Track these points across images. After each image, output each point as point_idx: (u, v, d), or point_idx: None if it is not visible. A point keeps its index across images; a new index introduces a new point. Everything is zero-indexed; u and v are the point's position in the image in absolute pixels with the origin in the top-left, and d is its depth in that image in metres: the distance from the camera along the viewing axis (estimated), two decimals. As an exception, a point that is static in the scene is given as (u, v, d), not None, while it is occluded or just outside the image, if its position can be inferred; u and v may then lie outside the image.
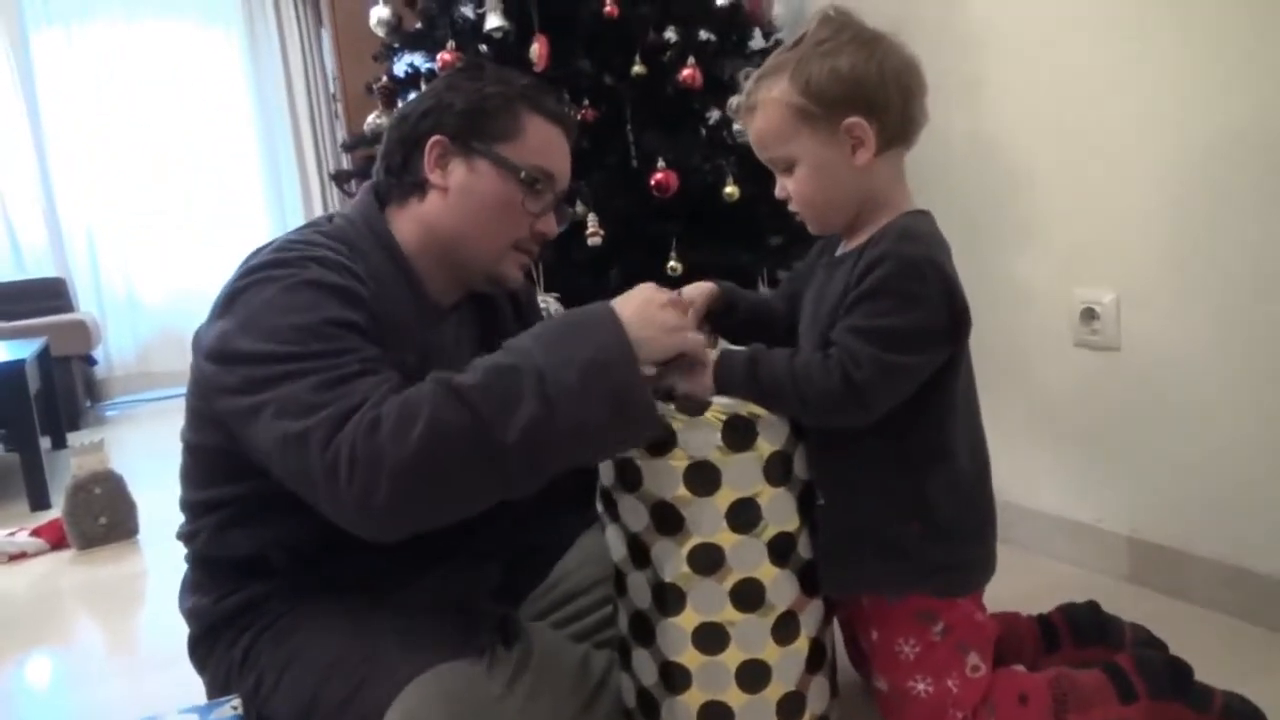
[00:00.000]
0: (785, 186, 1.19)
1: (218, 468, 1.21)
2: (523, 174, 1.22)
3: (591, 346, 1.03)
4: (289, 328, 1.06)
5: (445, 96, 1.24)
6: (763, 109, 1.15)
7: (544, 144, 1.24)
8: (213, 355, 1.10)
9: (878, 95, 1.11)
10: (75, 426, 4.11)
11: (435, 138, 1.22)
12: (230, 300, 1.11)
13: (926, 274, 1.09)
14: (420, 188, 1.24)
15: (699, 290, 1.29)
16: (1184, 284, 1.56)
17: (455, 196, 1.22)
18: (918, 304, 1.09)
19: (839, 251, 1.23)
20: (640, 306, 1.10)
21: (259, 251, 1.18)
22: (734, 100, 1.20)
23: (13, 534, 2.51)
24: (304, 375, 1.03)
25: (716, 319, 1.32)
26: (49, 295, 4.55)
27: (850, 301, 1.11)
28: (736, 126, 2.00)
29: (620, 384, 1.03)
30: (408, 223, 1.25)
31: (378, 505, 0.98)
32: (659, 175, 1.91)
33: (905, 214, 1.16)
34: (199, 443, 1.22)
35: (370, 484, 0.97)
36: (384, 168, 1.27)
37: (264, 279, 1.11)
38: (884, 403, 1.10)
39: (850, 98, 1.10)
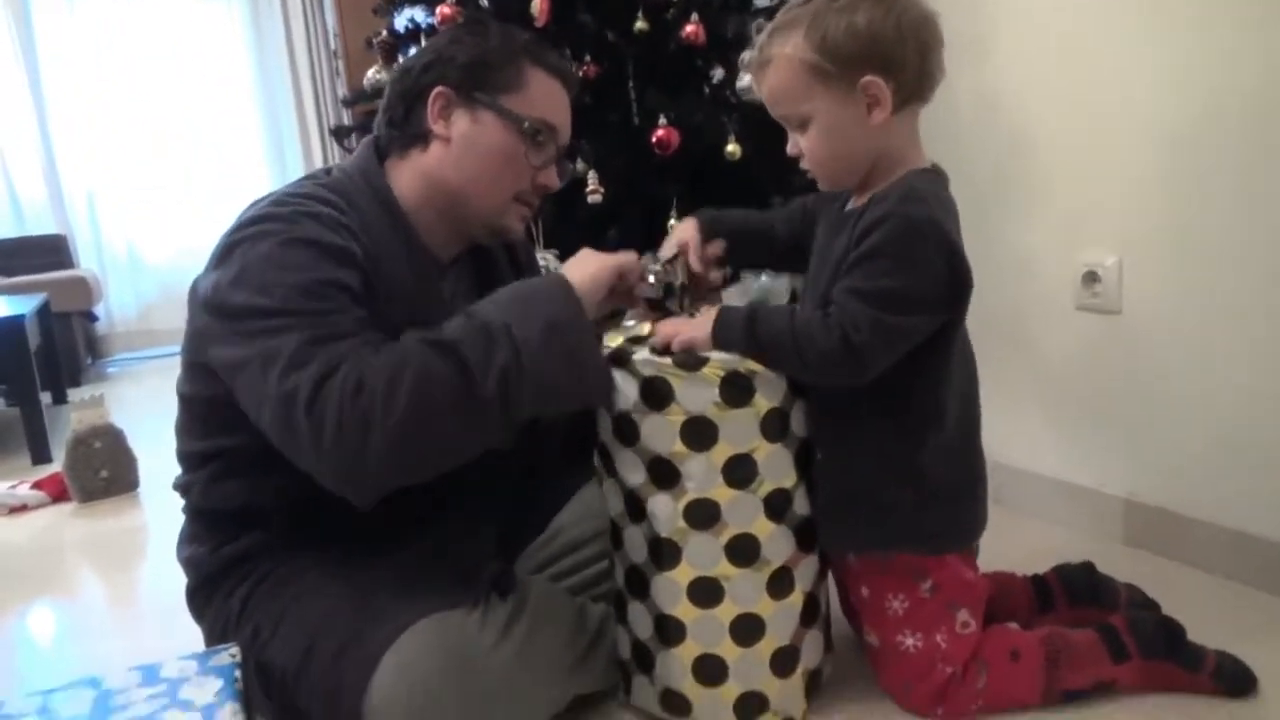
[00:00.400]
0: (798, 144, 1.16)
1: (211, 419, 1.21)
2: (526, 124, 1.22)
3: (549, 308, 1.09)
4: (281, 284, 1.07)
5: (448, 50, 1.24)
6: (775, 65, 1.12)
7: (546, 97, 1.25)
8: (207, 306, 1.11)
9: (895, 53, 1.08)
10: (76, 382, 4.11)
11: (439, 89, 1.22)
12: (227, 252, 1.11)
13: (928, 235, 1.08)
14: (423, 138, 1.24)
15: (684, 232, 1.29)
16: (1186, 247, 1.55)
17: (458, 146, 1.23)
18: (917, 266, 1.08)
19: (848, 206, 1.22)
20: (582, 254, 1.18)
21: (257, 204, 1.18)
22: (745, 55, 1.18)
23: (14, 487, 2.52)
24: (291, 330, 1.04)
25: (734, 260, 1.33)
26: (49, 251, 4.53)
27: (851, 261, 1.10)
28: (740, 85, 1.97)
29: (575, 345, 1.09)
30: (408, 174, 1.25)
31: (366, 468, 1.01)
32: (660, 133, 1.89)
33: (912, 173, 1.15)
34: (193, 394, 1.23)
35: (358, 448, 1.00)
36: (386, 120, 1.27)
37: (260, 233, 1.11)
38: (882, 363, 1.09)
39: (867, 56, 1.08)
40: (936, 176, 1.17)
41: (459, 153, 1.23)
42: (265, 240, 1.10)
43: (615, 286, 1.18)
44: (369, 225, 1.18)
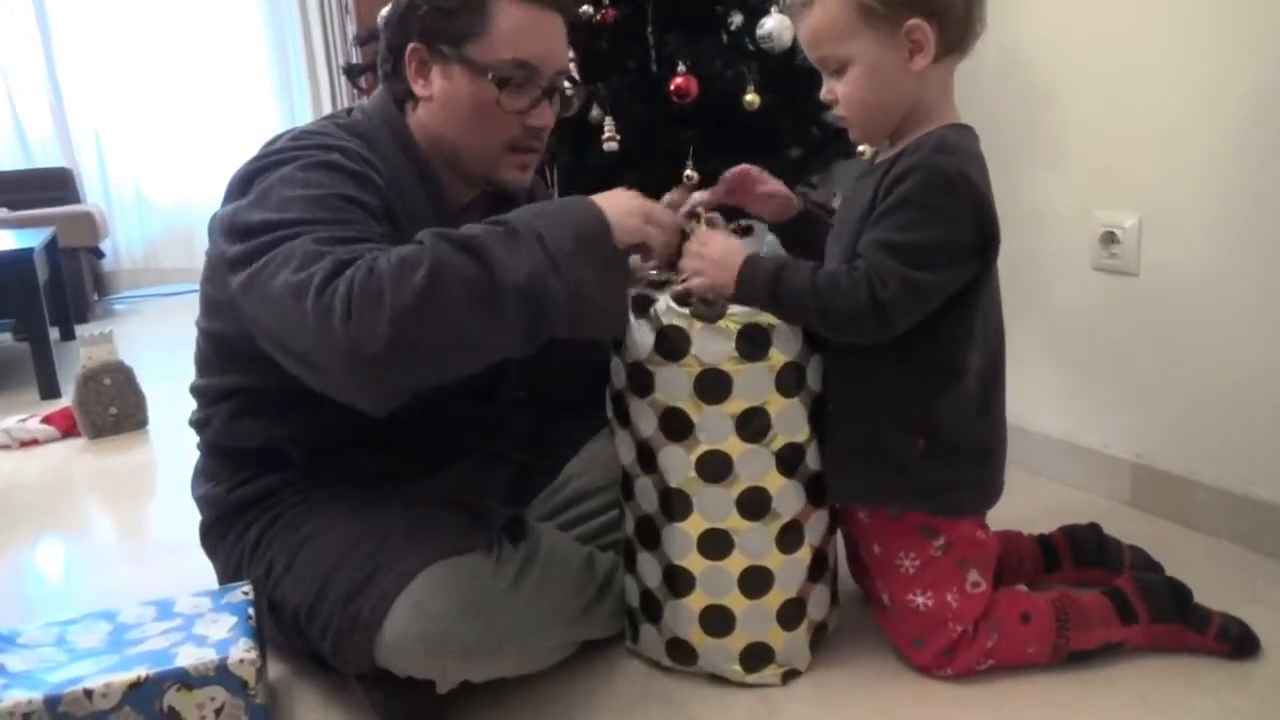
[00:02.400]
0: (833, 89, 1.14)
1: (230, 355, 1.22)
2: (491, 73, 1.17)
3: (580, 223, 1.06)
4: (299, 198, 1.05)
5: None
6: (820, 3, 1.10)
7: (516, 32, 1.18)
8: (224, 231, 1.09)
9: None
10: (83, 319, 4.11)
11: (413, 45, 1.20)
12: (245, 182, 1.11)
13: (959, 188, 1.07)
14: (413, 97, 1.23)
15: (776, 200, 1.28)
16: (1207, 211, 1.54)
17: (438, 105, 1.21)
18: (947, 218, 1.07)
19: (880, 158, 1.20)
20: (612, 192, 1.13)
21: (277, 138, 1.17)
22: None
23: (24, 420, 2.53)
24: (306, 235, 1.01)
25: (788, 229, 1.31)
26: (55, 185, 4.49)
27: (880, 211, 1.09)
28: (760, 32, 1.94)
29: (603, 263, 1.06)
30: (415, 126, 1.25)
31: (374, 351, 0.93)
32: (679, 80, 1.86)
33: (944, 126, 1.13)
34: (211, 329, 1.23)
35: (368, 325, 0.93)
36: (383, 74, 1.26)
37: (279, 160, 1.11)
38: (907, 320, 1.09)
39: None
40: (967, 131, 1.15)
41: (439, 111, 1.21)
42: (285, 166, 1.09)
43: (643, 228, 1.13)
44: (390, 165, 1.19)
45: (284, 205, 1.05)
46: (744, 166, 1.28)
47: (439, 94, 1.20)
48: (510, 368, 1.38)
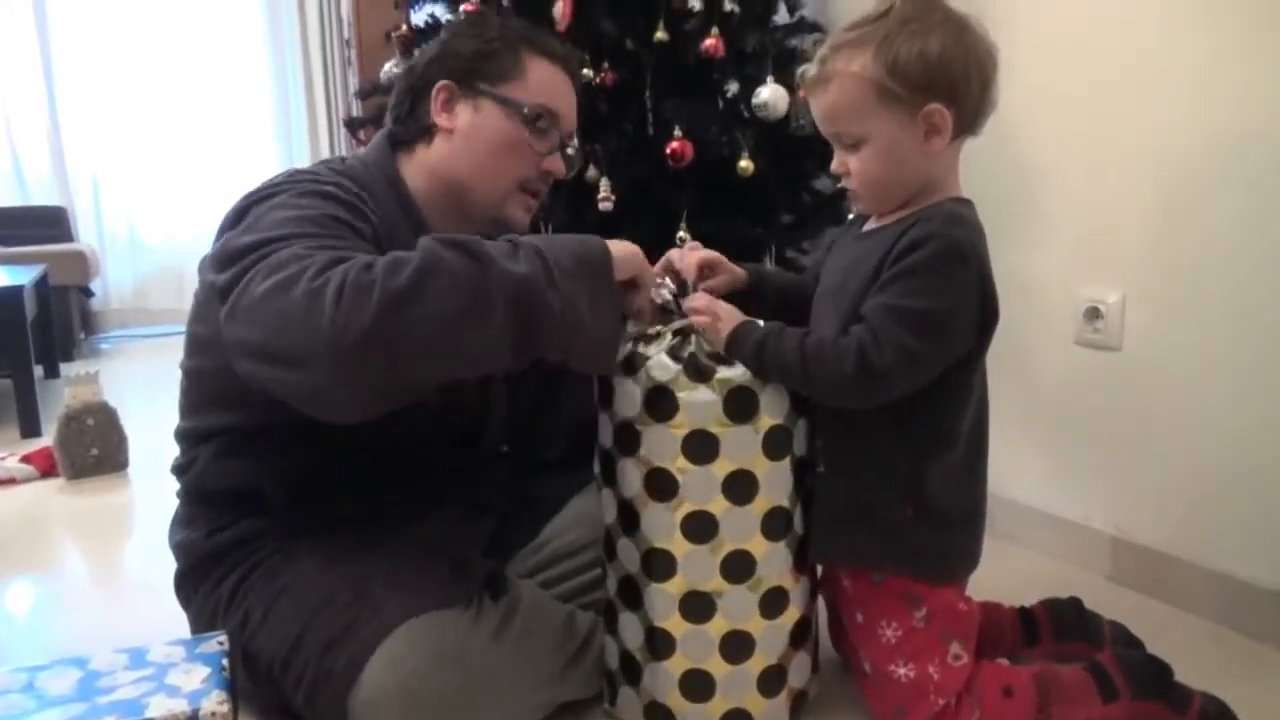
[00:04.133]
0: (846, 163, 1.16)
1: (213, 393, 1.21)
2: (526, 110, 1.24)
3: (582, 247, 1.07)
4: (290, 218, 1.05)
5: (450, 44, 1.28)
6: (839, 82, 1.11)
7: (546, 84, 1.27)
8: (214, 262, 1.08)
9: (961, 83, 1.09)
10: (69, 357, 4.09)
11: (441, 82, 1.25)
12: (239, 215, 1.12)
13: (969, 260, 1.09)
14: (428, 132, 1.27)
15: (714, 265, 1.27)
16: (1190, 289, 1.56)
17: (461, 137, 1.25)
18: (954, 289, 1.09)
19: (868, 226, 1.22)
20: (618, 243, 1.13)
21: (274, 178, 1.19)
22: (804, 69, 1.17)
23: (2, 459, 2.50)
24: (297, 243, 0.99)
25: (745, 299, 1.29)
26: (49, 223, 4.50)
27: (887, 277, 1.10)
28: (755, 101, 1.98)
29: (600, 286, 1.06)
30: (416, 169, 1.27)
31: (358, 336, 0.90)
32: (675, 144, 1.89)
33: (951, 199, 1.15)
34: (192, 367, 1.23)
35: (356, 310, 0.90)
36: (395, 116, 1.30)
37: (272, 192, 1.12)
38: (899, 391, 1.10)
39: (936, 83, 1.08)
40: (971, 206, 1.17)
41: (462, 143, 1.25)
42: (278, 196, 1.11)
43: (642, 268, 1.15)
44: (382, 212, 1.20)
45: (274, 225, 1.04)
46: (693, 249, 1.27)
47: (464, 127, 1.25)
48: (491, 417, 1.39)
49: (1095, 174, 1.70)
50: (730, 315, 1.15)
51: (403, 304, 0.91)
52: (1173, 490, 1.62)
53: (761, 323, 1.16)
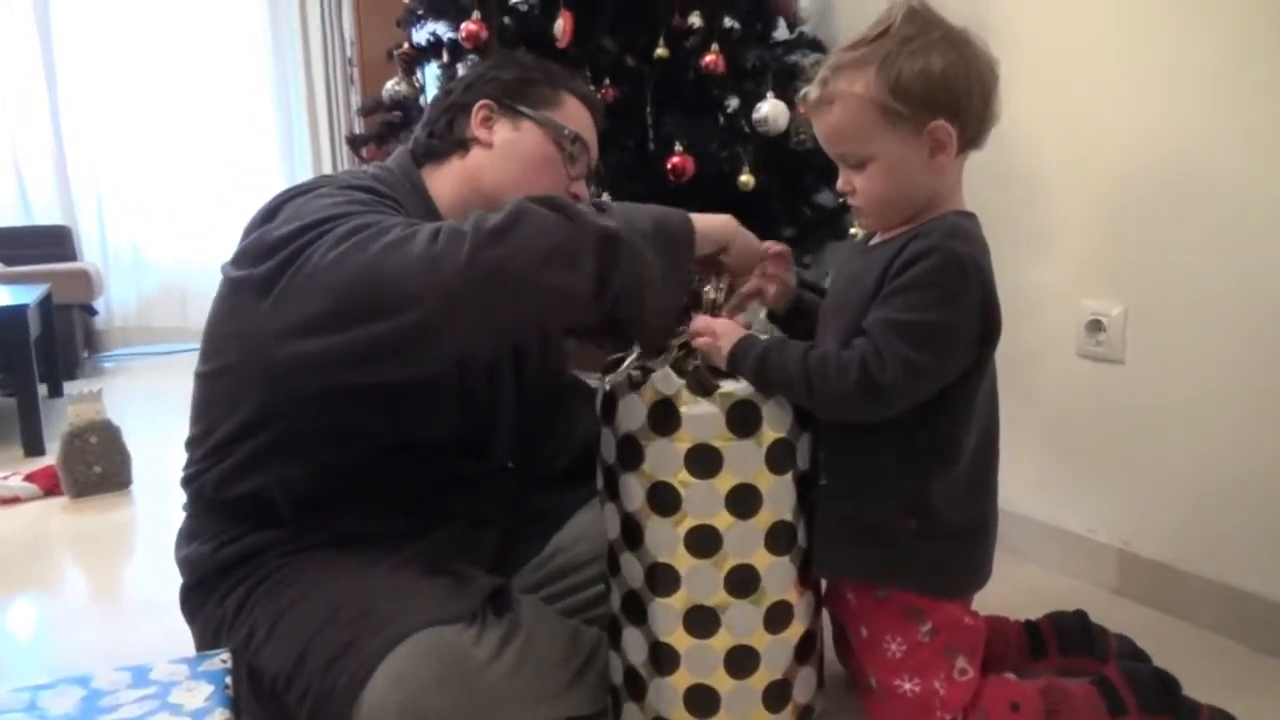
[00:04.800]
0: (851, 181, 1.16)
1: (228, 395, 1.22)
2: (566, 132, 1.31)
3: (663, 214, 1.16)
4: (330, 204, 1.09)
5: (490, 71, 1.35)
6: (842, 103, 1.11)
7: (578, 118, 1.34)
8: (249, 257, 1.10)
9: (964, 98, 1.09)
10: (72, 375, 4.09)
11: (483, 101, 1.31)
12: (270, 213, 1.13)
13: (969, 273, 1.09)
14: (463, 145, 1.31)
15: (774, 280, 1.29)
16: (1193, 301, 1.56)
17: (499, 151, 1.30)
18: (955, 302, 1.09)
19: (873, 241, 1.22)
20: (709, 216, 1.22)
21: (302, 182, 1.22)
22: (805, 91, 1.17)
23: (6, 478, 2.50)
24: (351, 219, 1.05)
25: (782, 316, 1.31)
26: (53, 242, 4.52)
27: (889, 290, 1.10)
28: (756, 116, 1.99)
29: (678, 256, 1.15)
30: (446, 179, 1.32)
31: (455, 272, 0.98)
32: (675, 159, 1.90)
33: (954, 212, 1.15)
34: (211, 369, 1.24)
35: (452, 245, 0.99)
36: (426, 132, 1.34)
37: (305, 191, 1.15)
38: (902, 405, 1.10)
39: (939, 100, 1.08)
40: (974, 219, 1.17)
41: (500, 156, 1.30)
42: (313, 192, 1.15)
43: (732, 238, 1.23)
44: (409, 214, 1.21)
45: (322, 210, 1.08)
46: (785, 248, 1.28)
47: (501, 141, 1.31)
48: (498, 429, 1.39)
49: (1097, 186, 1.70)
50: (730, 331, 1.16)
51: (497, 240, 1.00)
52: (1178, 502, 1.62)
53: (764, 336, 1.16)
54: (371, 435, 1.22)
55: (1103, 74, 1.67)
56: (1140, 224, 1.63)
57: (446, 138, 1.32)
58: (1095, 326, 1.71)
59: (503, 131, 1.31)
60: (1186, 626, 1.56)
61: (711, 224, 1.20)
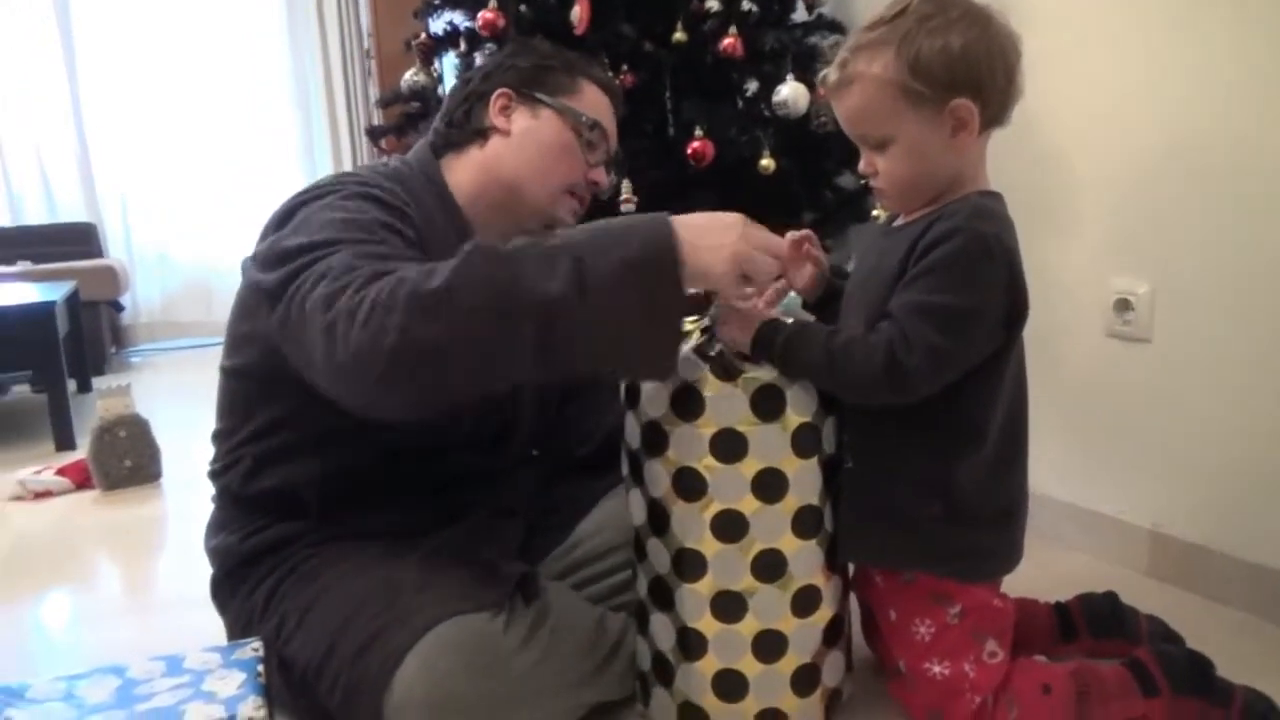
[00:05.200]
0: (873, 163, 1.15)
1: (254, 390, 1.24)
2: (584, 119, 1.31)
3: (638, 244, 0.99)
4: (338, 221, 1.10)
5: (509, 60, 1.35)
6: (861, 85, 1.10)
7: (597, 105, 1.35)
8: (262, 262, 1.12)
9: (986, 76, 1.07)
10: (100, 371, 4.14)
11: (501, 90, 1.32)
12: (286, 215, 1.16)
13: (995, 254, 1.08)
14: (482, 134, 1.32)
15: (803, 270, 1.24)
16: (1222, 280, 1.54)
17: (518, 139, 1.31)
18: (981, 284, 1.07)
19: (897, 222, 1.21)
20: (707, 220, 1.05)
21: (319, 181, 1.23)
22: (824, 73, 1.15)
23: (39, 472, 2.54)
24: (344, 250, 1.05)
25: (814, 303, 1.30)
26: (79, 240, 4.57)
27: (914, 273, 1.09)
28: (776, 99, 1.98)
29: (656, 288, 0.99)
30: (466, 169, 1.32)
31: (386, 354, 0.94)
32: (695, 144, 1.89)
33: (978, 192, 1.14)
34: (234, 365, 1.26)
35: (385, 319, 0.94)
36: (445, 122, 1.35)
37: (319, 194, 1.17)
38: (928, 387, 1.08)
39: (960, 78, 1.06)
40: (999, 198, 1.16)
41: (519, 144, 1.31)
42: (325, 198, 1.16)
43: (737, 255, 1.04)
44: (425, 214, 1.24)
45: (322, 228, 1.09)
46: (808, 233, 1.24)
47: (520, 129, 1.31)
48: (520, 420, 1.40)
49: (1124, 163, 1.68)
50: (751, 315, 1.15)
51: (427, 312, 0.95)
52: (1209, 483, 1.60)
53: (790, 320, 1.15)
54: (391, 434, 1.21)
55: (1130, 51, 1.64)
56: (1168, 202, 1.61)
57: (465, 127, 1.33)
58: (1123, 306, 1.69)
59: (521, 120, 1.32)
60: (1218, 607, 1.55)
61: (705, 234, 1.03)
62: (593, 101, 1.34)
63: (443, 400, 1.02)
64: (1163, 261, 1.63)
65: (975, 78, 1.07)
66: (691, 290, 1.05)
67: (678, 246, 1.00)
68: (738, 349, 1.14)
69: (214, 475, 1.31)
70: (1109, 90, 1.69)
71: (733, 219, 1.06)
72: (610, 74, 1.47)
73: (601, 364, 1.04)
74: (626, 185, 1.89)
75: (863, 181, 1.20)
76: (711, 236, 1.03)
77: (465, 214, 1.31)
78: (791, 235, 1.22)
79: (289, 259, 1.07)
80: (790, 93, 1.95)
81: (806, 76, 1.97)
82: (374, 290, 0.97)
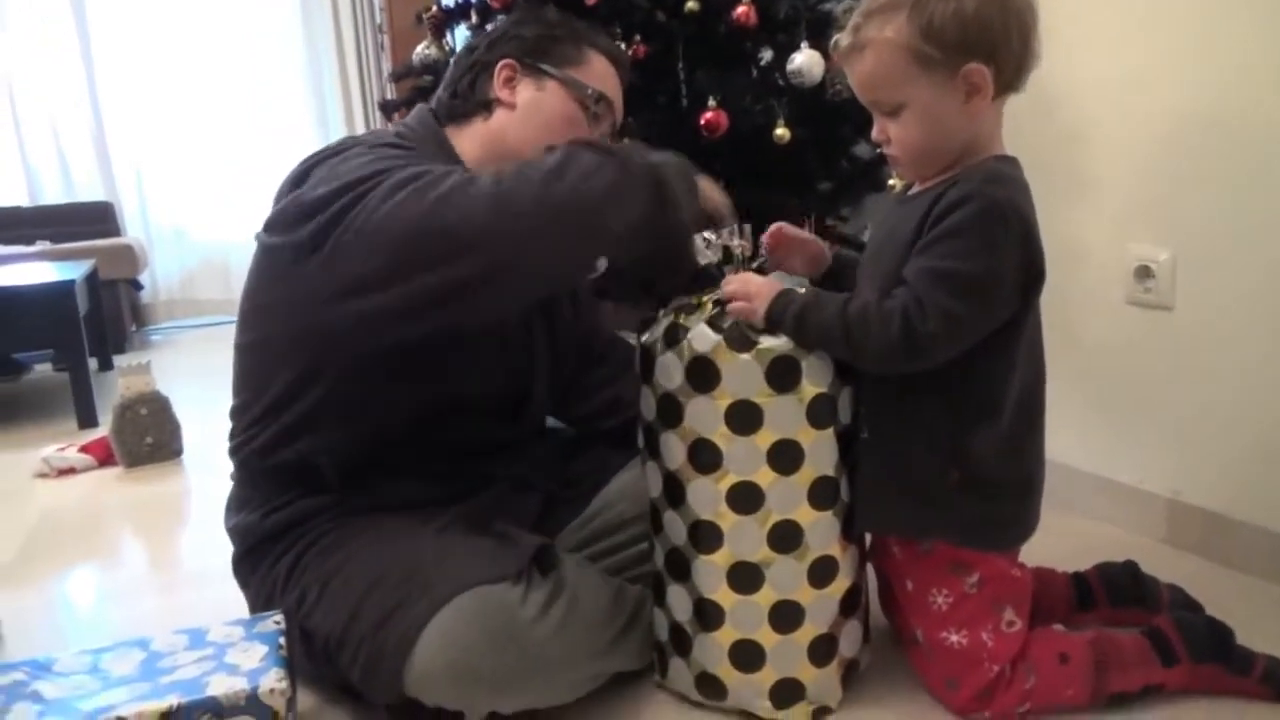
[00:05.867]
0: (886, 129, 1.13)
1: (269, 365, 1.24)
2: (589, 91, 1.30)
3: (662, 156, 1.18)
4: (371, 160, 1.11)
5: (514, 29, 1.33)
6: (873, 49, 1.09)
7: (603, 76, 1.33)
8: (287, 220, 1.13)
9: (1000, 40, 1.06)
10: (120, 349, 4.17)
11: (505, 60, 1.30)
12: (301, 177, 1.16)
13: (1010, 219, 1.07)
14: (487, 106, 1.31)
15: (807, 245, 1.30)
16: (1243, 244, 1.52)
17: (523, 111, 1.30)
18: (996, 250, 1.06)
19: (913, 190, 1.20)
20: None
21: (327, 146, 1.23)
22: (837, 38, 1.14)
23: (62, 450, 2.57)
24: (396, 172, 1.07)
25: (820, 282, 1.29)
26: (96, 219, 4.58)
27: (928, 239, 1.08)
28: (790, 68, 1.95)
29: (692, 189, 1.20)
30: (471, 140, 1.31)
31: (528, 208, 1.05)
32: (709, 115, 1.88)
33: (993, 157, 1.13)
34: (251, 341, 1.26)
35: (520, 184, 1.06)
36: (450, 92, 1.34)
37: (334, 153, 1.17)
38: (943, 354, 1.08)
39: (973, 43, 1.05)
40: (1014, 163, 1.15)
41: (523, 116, 1.30)
42: (351, 150, 1.16)
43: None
44: None
45: (362, 168, 1.10)
46: (778, 225, 1.27)
47: (524, 102, 1.30)
48: (536, 388, 1.40)
49: (1143, 128, 1.65)
50: (766, 289, 1.14)
51: (559, 178, 1.06)
52: (1229, 451, 1.59)
53: (803, 289, 1.14)
54: (413, 397, 1.23)
55: (1152, 16, 1.61)
56: (1189, 167, 1.59)
57: (469, 98, 1.32)
58: (1144, 273, 1.67)
59: (525, 91, 1.30)
60: (1238, 575, 1.54)
61: (701, 183, 1.25)
62: (599, 72, 1.33)
63: (566, 268, 1.17)
64: (1184, 228, 1.61)
65: (989, 42, 1.05)
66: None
67: (690, 168, 1.22)
68: (749, 321, 1.14)
69: (233, 451, 1.32)
70: (1130, 55, 1.66)
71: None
72: (618, 44, 1.45)
73: (677, 238, 1.18)
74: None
75: (878, 150, 1.19)
76: (712, 188, 1.29)
77: None
78: (763, 239, 1.26)
79: (324, 205, 1.07)
80: (805, 61, 1.92)
81: (821, 44, 1.94)
82: (487, 173, 1.08)
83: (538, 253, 1.06)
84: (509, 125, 1.30)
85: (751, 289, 1.14)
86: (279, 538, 1.25)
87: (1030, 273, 1.10)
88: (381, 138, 1.24)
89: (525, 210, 1.04)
